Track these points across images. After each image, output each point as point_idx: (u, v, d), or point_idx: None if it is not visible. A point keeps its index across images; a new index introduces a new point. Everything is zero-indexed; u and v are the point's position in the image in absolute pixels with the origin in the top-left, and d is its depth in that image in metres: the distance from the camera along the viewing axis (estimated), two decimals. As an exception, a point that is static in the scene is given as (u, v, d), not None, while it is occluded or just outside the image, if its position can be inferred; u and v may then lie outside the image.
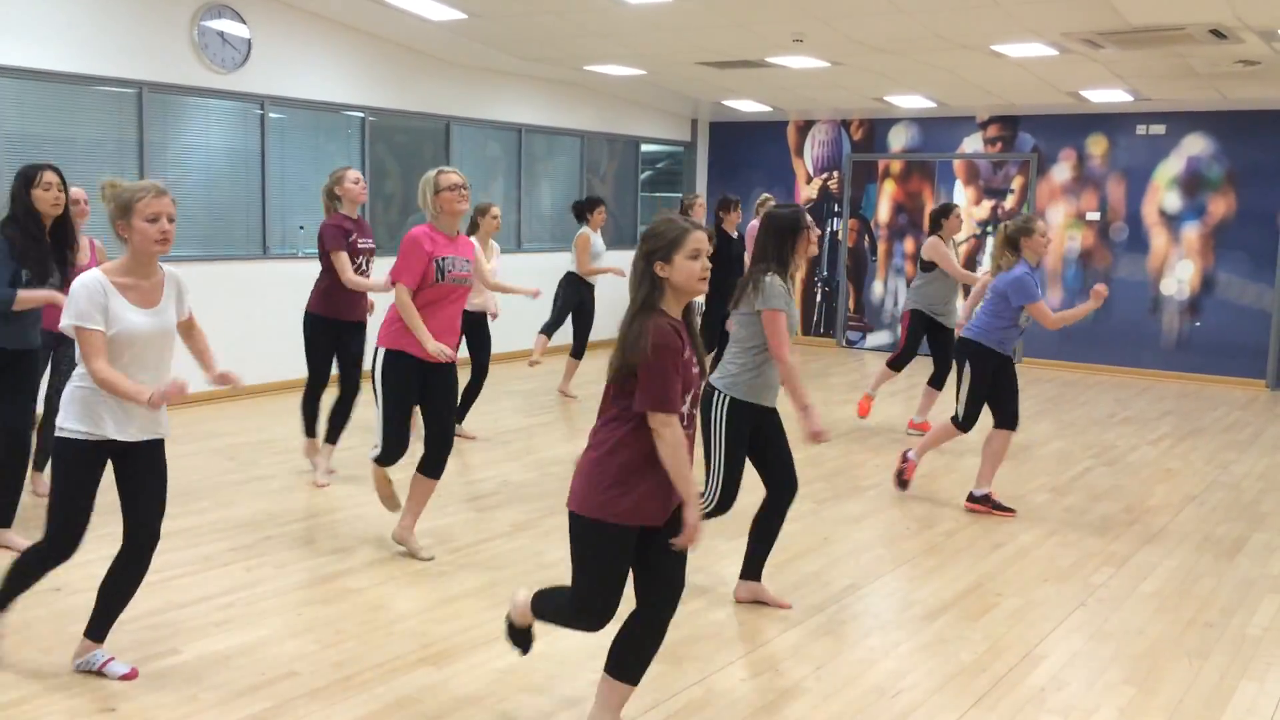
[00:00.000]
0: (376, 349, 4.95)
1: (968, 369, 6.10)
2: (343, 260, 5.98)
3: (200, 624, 4.16)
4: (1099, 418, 9.06)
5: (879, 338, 12.92)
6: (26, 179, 4.81)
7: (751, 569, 4.63)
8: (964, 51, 9.10)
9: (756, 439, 4.53)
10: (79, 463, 3.58)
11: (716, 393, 4.47)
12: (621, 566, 3.18)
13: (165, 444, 3.74)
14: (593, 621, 3.25)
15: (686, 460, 3.10)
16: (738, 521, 5.71)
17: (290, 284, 9.07)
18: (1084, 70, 9.55)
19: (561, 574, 4.84)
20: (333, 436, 6.37)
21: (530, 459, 7.06)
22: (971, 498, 6.16)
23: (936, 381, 8.17)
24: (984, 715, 3.62)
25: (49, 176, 4.83)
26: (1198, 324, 11.23)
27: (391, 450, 4.98)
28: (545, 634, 4.18)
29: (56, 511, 3.61)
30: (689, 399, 3.17)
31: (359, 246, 6.10)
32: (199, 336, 3.89)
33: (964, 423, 6.14)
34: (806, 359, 12.14)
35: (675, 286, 3.13)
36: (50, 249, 4.88)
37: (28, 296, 4.72)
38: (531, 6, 8.51)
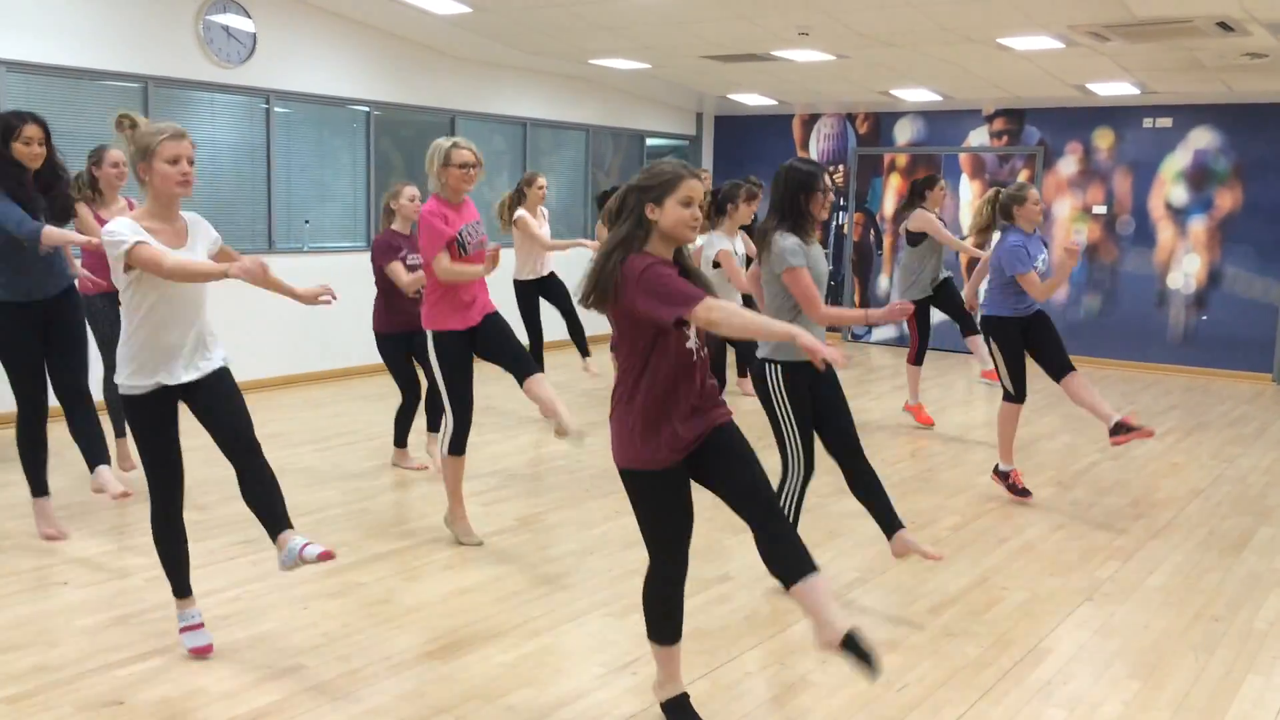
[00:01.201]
0: (426, 332, 5.09)
1: (994, 347, 6.15)
2: (396, 269, 6.07)
3: (207, 617, 4.15)
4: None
5: (884, 331, 12.91)
6: (6, 130, 4.81)
7: (888, 523, 4.48)
8: (970, 44, 9.08)
9: (812, 403, 4.45)
10: (142, 414, 3.70)
11: (767, 364, 4.40)
12: (672, 507, 3.23)
13: (229, 371, 3.82)
14: (669, 564, 3.27)
15: (755, 320, 3.10)
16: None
17: (296, 278, 9.03)
18: (1090, 63, 9.53)
19: (569, 568, 4.86)
20: (401, 439, 6.57)
21: (536, 453, 7.07)
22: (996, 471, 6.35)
23: (918, 357, 8.18)
24: (990, 709, 3.62)
25: (30, 131, 4.82)
26: (1204, 318, 11.20)
27: (461, 433, 5.10)
28: (551, 628, 4.19)
29: (146, 465, 3.76)
30: (692, 331, 3.13)
31: (408, 262, 6.13)
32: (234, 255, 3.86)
33: (1016, 396, 6.14)
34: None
35: (663, 231, 3.11)
36: (31, 194, 4.90)
37: (53, 233, 4.71)
38: (536, 0, 8.50)
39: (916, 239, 8.03)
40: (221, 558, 4.86)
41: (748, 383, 8.44)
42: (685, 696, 3.45)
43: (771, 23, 8.75)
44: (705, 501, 5.02)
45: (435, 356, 5.07)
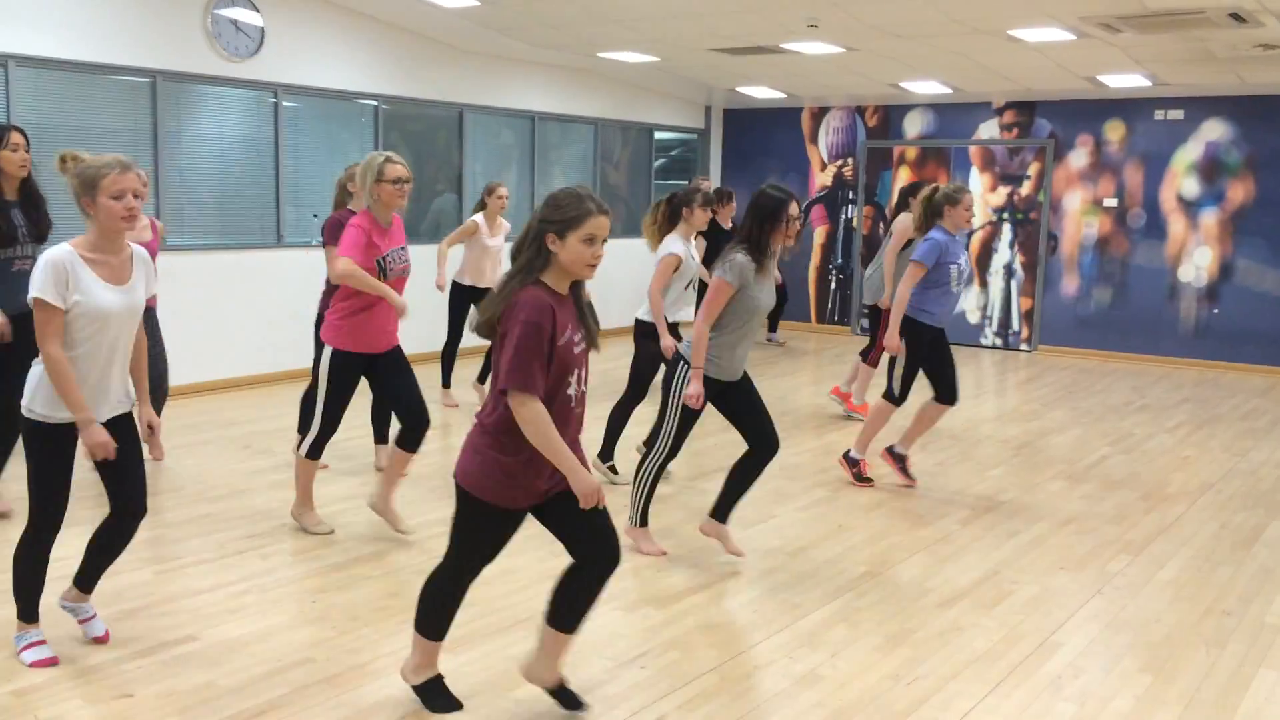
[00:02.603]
0: (323, 345, 4.96)
1: (902, 345, 6.04)
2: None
3: (216, 611, 4.18)
4: (1116, 405, 9.01)
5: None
6: None
7: (721, 510, 4.91)
8: (980, 36, 9.03)
9: (723, 404, 4.81)
10: (50, 446, 3.52)
11: (682, 362, 4.70)
12: (501, 540, 3.27)
13: (133, 417, 3.73)
14: (469, 575, 3.32)
15: (555, 437, 3.05)
16: (748, 508, 5.70)
17: (304, 272, 9.09)
18: (1101, 55, 9.48)
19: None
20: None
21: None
22: (890, 451, 6.37)
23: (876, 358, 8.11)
24: (1000, 703, 3.61)
25: (15, 138, 4.86)
26: (1216, 311, 11.15)
27: (322, 441, 5.00)
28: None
29: (35, 492, 3.57)
30: (575, 379, 3.13)
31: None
32: (140, 338, 3.75)
33: (899, 397, 6.15)
34: (821, 346, 12.11)
35: (562, 264, 3.06)
36: (15, 206, 4.90)
37: None
38: (545, -7, 8.50)
39: (907, 244, 7.99)
40: (230, 551, 4.87)
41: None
42: (440, 678, 3.45)
43: (781, 15, 8.72)
44: (711, 494, 5.01)
45: (327, 372, 4.90)
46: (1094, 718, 3.53)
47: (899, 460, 6.33)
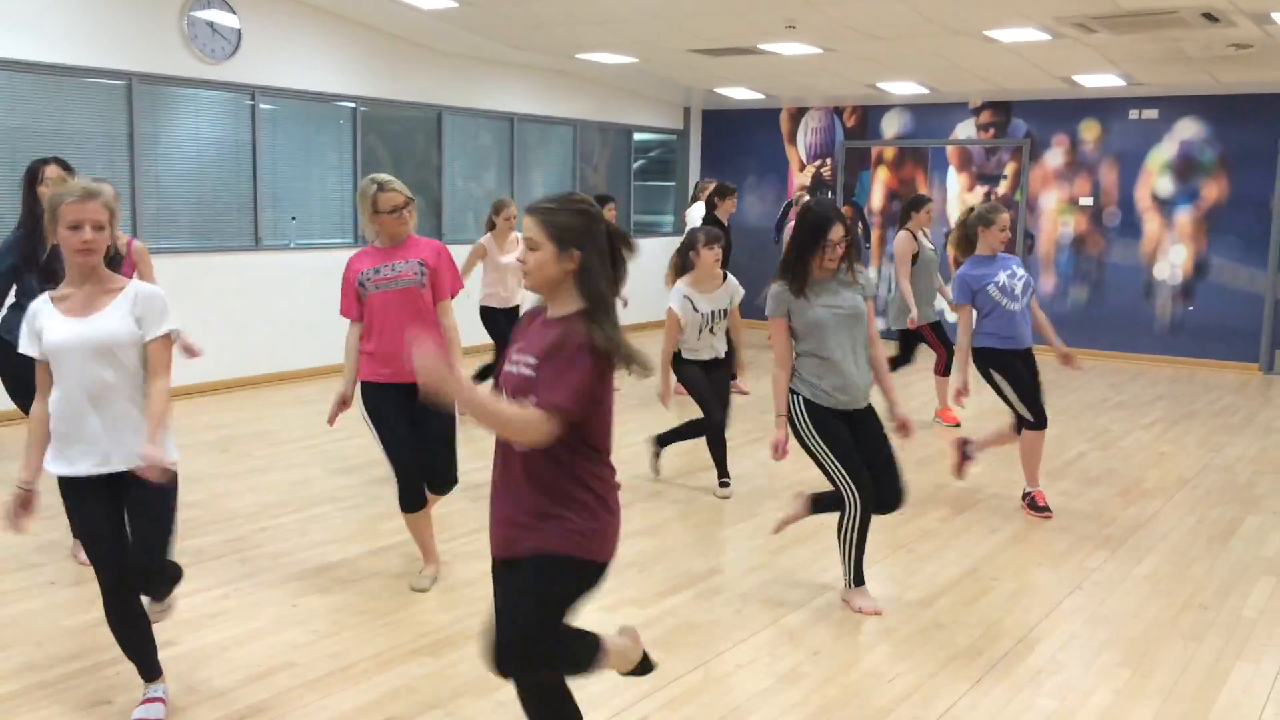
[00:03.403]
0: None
1: (999, 379, 5.86)
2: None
3: (196, 616, 4.16)
4: (1092, 402, 9.07)
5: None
6: (31, 176, 4.75)
7: (855, 575, 4.43)
8: (956, 37, 9.09)
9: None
10: (78, 501, 3.24)
11: (792, 394, 4.32)
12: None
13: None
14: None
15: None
16: (737, 509, 5.71)
17: (282, 275, 9.07)
18: (1076, 55, 9.55)
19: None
20: None
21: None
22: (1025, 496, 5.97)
23: (946, 368, 8.07)
24: (980, 698, 3.63)
25: (50, 171, 4.70)
26: (1191, 308, 11.25)
27: (406, 490, 4.47)
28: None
29: (88, 553, 3.29)
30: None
31: None
32: (155, 395, 3.21)
33: (1036, 423, 5.84)
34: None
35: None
36: (48, 244, 4.79)
37: None
38: (522, -6, 8.49)
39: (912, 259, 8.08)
40: (210, 556, 4.84)
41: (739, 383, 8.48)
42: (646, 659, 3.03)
43: (759, 16, 8.74)
44: (696, 493, 5.02)
45: (365, 412, 4.49)
46: (1074, 712, 3.56)
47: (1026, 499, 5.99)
